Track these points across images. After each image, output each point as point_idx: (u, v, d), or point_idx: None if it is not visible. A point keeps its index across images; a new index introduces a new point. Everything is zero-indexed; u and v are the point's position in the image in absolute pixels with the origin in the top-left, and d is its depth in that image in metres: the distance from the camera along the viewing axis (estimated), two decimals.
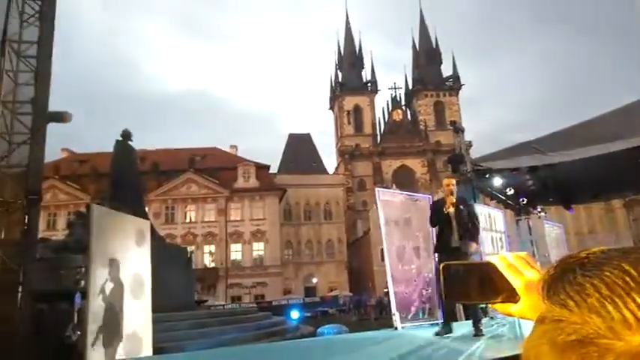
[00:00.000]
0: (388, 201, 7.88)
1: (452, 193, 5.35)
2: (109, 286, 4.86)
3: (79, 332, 5.25)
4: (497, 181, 8.65)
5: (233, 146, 45.93)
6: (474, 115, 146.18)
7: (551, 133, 7.80)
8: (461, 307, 6.49)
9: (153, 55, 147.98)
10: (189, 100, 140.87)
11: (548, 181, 8.53)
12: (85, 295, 5.06)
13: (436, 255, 5.81)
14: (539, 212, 10.86)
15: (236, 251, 39.93)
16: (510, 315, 0.57)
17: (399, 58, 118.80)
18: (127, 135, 13.02)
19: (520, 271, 0.57)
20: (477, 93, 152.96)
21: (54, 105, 6.35)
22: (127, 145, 13.14)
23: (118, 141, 13.03)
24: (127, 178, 12.76)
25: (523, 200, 9.97)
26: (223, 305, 28.36)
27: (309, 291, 40.27)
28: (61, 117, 6.27)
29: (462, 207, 5.32)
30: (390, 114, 63.70)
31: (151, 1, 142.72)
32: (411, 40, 69.14)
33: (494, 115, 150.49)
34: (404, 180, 53.12)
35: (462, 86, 65.07)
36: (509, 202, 10.01)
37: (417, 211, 8.37)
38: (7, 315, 5.63)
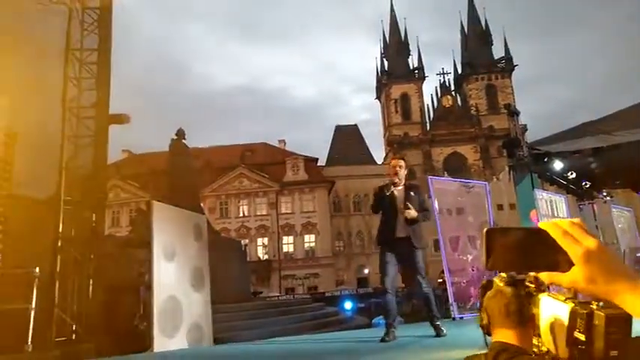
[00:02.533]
0: (441, 189, 7.71)
1: (397, 175, 4.61)
2: (171, 278, 5.08)
3: (145, 323, 5.54)
4: (558, 165, 8.21)
5: (281, 140, 46.53)
6: (529, 96, 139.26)
7: (617, 112, 7.30)
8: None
9: (203, 55, 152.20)
10: (238, 97, 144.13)
11: (614, 163, 8.00)
12: (149, 287, 5.33)
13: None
14: (605, 196, 10.22)
15: (288, 243, 40.57)
16: (559, 285, 0.54)
17: (446, 43, 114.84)
18: (181, 134, 13.50)
19: (576, 239, 0.53)
20: (532, 73, 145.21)
21: (114, 108, 6.70)
22: (181, 144, 13.63)
23: (172, 140, 13.54)
24: (183, 176, 13.26)
25: (586, 184, 9.43)
26: (278, 296, 28.97)
27: (362, 282, 40.25)
28: (120, 119, 6.60)
29: (412, 193, 4.59)
30: (439, 100, 62.00)
31: (200, 3, 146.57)
32: (458, 23, 66.80)
33: (552, 96, 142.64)
34: (455, 167, 51.70)
35: (515, 67, 62.10)
36: (571, 186, 9.49)
37: (472, 199, 8.13)
38: (81, 307, 6.02)
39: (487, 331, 1.47)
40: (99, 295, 6.22)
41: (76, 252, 6.02)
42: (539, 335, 1.19)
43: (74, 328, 5.72)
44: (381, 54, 65.67)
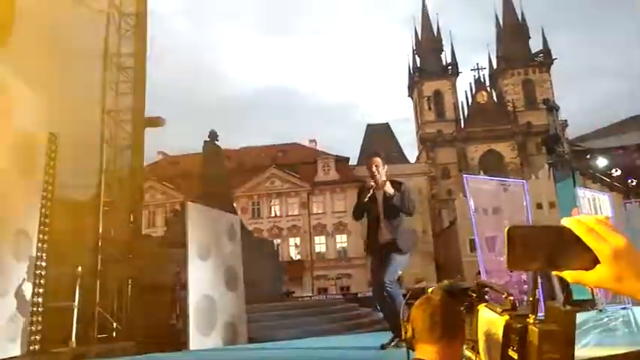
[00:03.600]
0: (477, 188, 7.50)
1: (374, 176, 4.16)
2: (206, 278, 5.16)
3: (181, 321, 5.65)
4: (601, 162, 7.86)
5: (312, 140, 46.64)
6: (569, 91, 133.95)
7: None
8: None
9: (235, 57, 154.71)
10: (269, 98, 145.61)
11: None
12: (184, 286, 5.43)
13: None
14: None
15: (320, 243, 40.64)
16: (584, 284, 0.53)
17: (480, 37, 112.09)
18: (213, 136, 13.73)
19: (603, 237, 0.51)
20: (572, 66, 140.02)
21: (149, 111, 6.88)
22: (214, 146, 13.86)
23: (205, 142, 13.79)
24: (216, 177, 13.48)
25: (632, 181, 8.98)
26: (310, 296, 29.06)
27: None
28: (156, 122, 6.77)
29: (390, 193, 4.15)
30: (473, 96, 60.55)
31: (231, 6, 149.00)
32: (493, 16, 65.11)
33: (594, 89, 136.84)
34: (492, 165, 50.38)
35: (554, 61, 59.93)
36: (616, 184, 9.06)
37: (509, 198, 7.88)
38: (121, 305, 6.20)
39: (410, 346, 1.30)
40: (137, 294, 6.39)
41: (115, 251, 6.20)
42: (477, 352, 1.05)
43: (114, 325, 5.89)
44: (413, 50, 64.79)
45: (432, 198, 50.25)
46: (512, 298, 0.94)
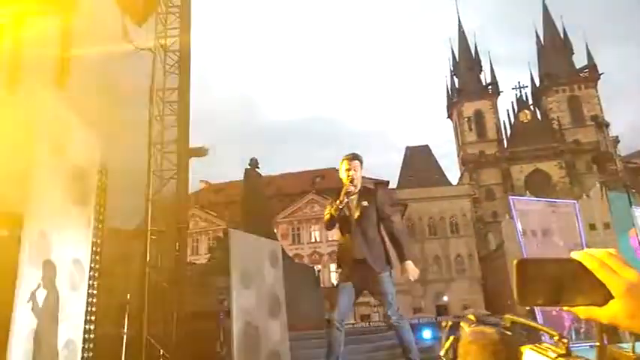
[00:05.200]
0: (524, 210, 7.22)
1: (352, 180, 3.68)
2: (249, 305, 5.17)
3: (226, 349, 5.66)
4: None
5: None
6: (620, 106, 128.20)
7: None
8: None
9: (275, 85, 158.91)
10: (308, 124, 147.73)
11: None
12: (228, 314, 5.46)
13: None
14: None
15: None
16: (596, 320, 0.51)
17: (521, 55, 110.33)
18: (254, 163, 14.01)
19: (616, 271, 0.49)
20: (622, 80, 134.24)
21: (193, 141, 7.14)
22: (254, 173, 14.12)
23: (246, 169, 14.07)
24: (257, 203, 13.66)
25: None
26: (353, 324, 28.45)
27: (441, 309, 38.53)
28: (200, 152, 7.01)
29: (365, 203, 3.65)
30: (516, 115, 59.10)
31: (269, 35, 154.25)
32: (533, 33, 63.89)
33: None
34: (539, 185, 48.53)
35: (601, 75, 57.76)
36: None
37: (559, 219, 7.52)
38: (167, 332, 6.30)
39: None
40: (183, 322, 6.48)
41: (162, 279, 6.35)
42: None
43: (161, 352, 5.98)
44: (451, 72, 64.36)
45: (477, 221, 48.75)
46: (565, 340, 0.86)
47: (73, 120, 4.32)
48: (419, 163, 51.04)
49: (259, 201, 14.05)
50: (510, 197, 7.62)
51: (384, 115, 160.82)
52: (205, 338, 6.84)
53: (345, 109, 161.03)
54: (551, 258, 0.53)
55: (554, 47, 60.02)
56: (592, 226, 30.72)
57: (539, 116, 58.70)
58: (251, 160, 14.04)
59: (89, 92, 5.26)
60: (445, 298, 40.29)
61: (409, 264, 3.69)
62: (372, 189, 3.83)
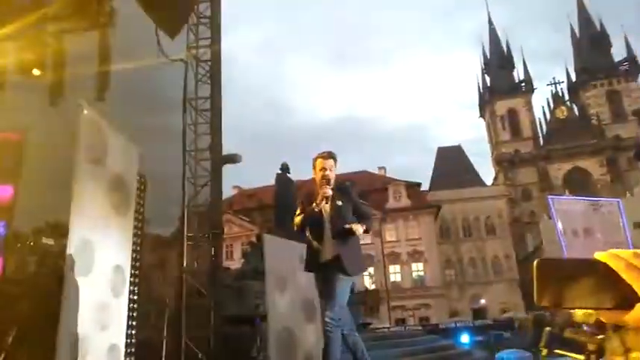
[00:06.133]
0: (564, 209, 6.98)
1: (328, 181, 3.44)
2: (284, 309, 5.20)
3: (263, 353, 5.70)
4: None
5: (381, 167, 46.36)
6: None
7: None
8: None
9: (305, 88, 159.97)
10: (338, 127, 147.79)
11: None
12: (264, 318, 5.51)
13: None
14: None
15: (395, 272, 39.66)
16: (623, 324, 0.48)
17: (555, 50, 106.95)
18: (285, 168, 14.10)
19: None
20: None
21: (226, 148, 7.28)
22: (285, 177, 14.22)
23: (277, 174, 14.19)
24: (289, 208, 13.72)
25: None
26: (388, 328, 28.18)
27: (478, 313, 37.63)
28: (233, 159, 7.13)
29: (339, 202, 3.40)
30: (552, 112, 57.21)
31: (299, 38, 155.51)
32: (568, 27, 61.83)
33: None
34: (578, 184, 46.83)
35: None
36: None
37: (601, 218, 7.22)
38: (205, 336, 6.41)
39: None
40: (219, 326, 6.59)
41: (198, 284, 6.48)
42: None
43: (200, 356, 6.09)
44: (482, 70, 63.04)
45: (513, 221, 47.42)
46: None
47: (112, 131, 4.48)
48: (451, 163, 50.13)
49: (291, 205, 14.12)
50: (549, 197, 7.38)
51: (415, 116, 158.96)
52: (242, 342, 6.93)
53: (375, 111, 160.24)
54: (574, 258, 0.52)
55: (590, 40, 57.86)
56: (636, 225, 29.30)
57: (576, 112, 56.63)
58: (282, 164, 14.14)
59: (126, 104, 5.44)
60: (482, 301, 39.32)
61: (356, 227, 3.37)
62: (346, 186, 3.57)
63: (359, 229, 3.38)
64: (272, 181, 14.69)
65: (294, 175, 14.80)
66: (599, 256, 0.50)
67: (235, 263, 32.68)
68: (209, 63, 6.96)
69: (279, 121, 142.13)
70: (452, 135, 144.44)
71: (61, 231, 4.35)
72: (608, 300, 0.48)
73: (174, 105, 6.66)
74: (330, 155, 3.53)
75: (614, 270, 0.48)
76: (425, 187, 44.63)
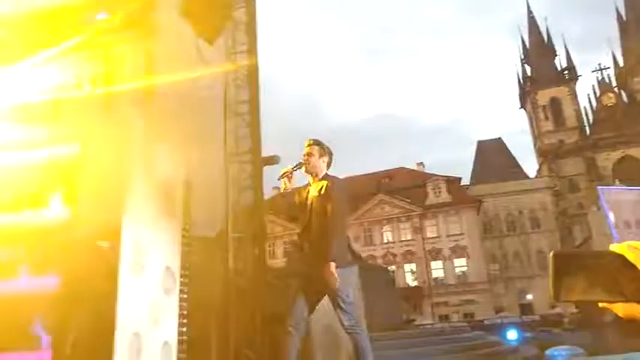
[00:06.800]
0: (615, 200, 6.70)
1: (312, 172, 3.28)
2: (328, 308, 5.26)
3: (307, 353, 5.79)
4: None
5: (419, 163, 45.77)
6: None
7: None
8: None
9: (339, 87, 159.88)
10: (375, 124, 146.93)
11: None
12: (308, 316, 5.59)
13: None
14: None
15: (437, 268, 39.12)
16: (637, 318, 0.47)
17: (599, 35, 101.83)
18: None
19: None
20: None
21: (265, 149, 7.43)
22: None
23: None
24: None
25: None
26: (432, 324, 27.82)
27: (525, 308, 36.53)
28: (272, 160, 7.28)
29: (315, 193, 3.20)
30: (598, 100, 54.57)
31: (332, 38, 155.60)
32: (613, 10, 58.78)
33: None
34: (629, 173, 44.41)
35: None
36: None
37: None
38: (252, 334, 6.58)
39: None
40: (265, 325, 6.74)
41: (244, 283, 6.66)
42: None
43: (247, 353, 6.26)
44: (522, 60, 60.92)
45: (560, 214, 45.58)
46: None
47: (159, 138, 4.69)
48: (492, 157, 48.79)
49: None
50: (599, 188, 7.12)
51: (453, 110, 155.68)
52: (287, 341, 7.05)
53: (412, 106, 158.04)
54: (591, 251, 0.52)
55: (638, 22, 54.73)
56: None
57: (625, 98, 53.75)
58: None
59: (170, 111, 5.66)
60: (529, 297, 38.11)
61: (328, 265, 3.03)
62: (329, 179, 3.28)
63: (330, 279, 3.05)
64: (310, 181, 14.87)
65: (331, 174, 14.94)
66: (616, 247, 0.49)
67: (278, 262, 33.19)
68: (247, 67, 7.13)
69: (315, 120, 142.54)
70: (491, 128, 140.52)
71: (114, 234, 4.60)
72: (624, 293, 0.47)
73: (214, 110, 6.87)
74: (316, 142, 3.41)
75: (631, 262, 0.47)
76: (465, 181, 43.67)
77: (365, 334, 3.35)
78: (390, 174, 43.54)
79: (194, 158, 5.34)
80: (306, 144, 3.34)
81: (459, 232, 38.41)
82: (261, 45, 7.54)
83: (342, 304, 3.24)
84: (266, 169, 7.74)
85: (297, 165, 3.33)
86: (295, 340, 3.37)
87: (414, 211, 39.62)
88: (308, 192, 3.29)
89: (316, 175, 3.31)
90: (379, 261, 36.83)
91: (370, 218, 40.72)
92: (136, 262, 4.38)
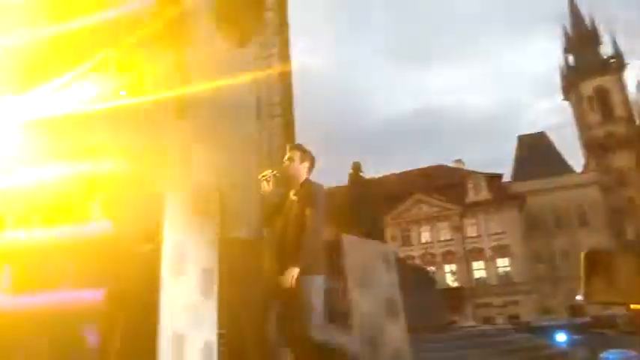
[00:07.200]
0: None
1: (292, 177, 3.26)
2: (368, 310, 5.20)
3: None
4: None
5: (458, 160, 44.74)
6: None
7: None
8: None
9: (375, 85, 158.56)
10: (411, 122, 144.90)
11: None
12: (347, 316, 5.53)
13: None
14: None
15: (479, 269, 38.08)
16: None
17: None
18: (357, 167, 14.12)
19: None
20: None
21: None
22: (358, 177, 14.22)
23: (350, 174, 14.23)
24: (362, 207, 13.73)
25: None
26: (474, 326, 27.11)
27: (575, 310, 34.92)
28: None
29: (294, 197, 3.16)
30: None
31: (367, 35, 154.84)
32: None
33: None
34: None
35: None
36: None
37: None
38: (290, 335, 6.58)
39: None
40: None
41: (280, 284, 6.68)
42: None
43: (287, 353, 6.26)
44: (564, 49, 58.50)
45: (609, 210, 43.35)
46: None
47: (194, 143, 4.78)
48: (535, 151, 46.99)
49: (366, 205, 14.11)
50: None
51: (492, 105, 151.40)
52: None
53: (449, 102, 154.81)
54: (628, 252, 0.44)
55: None
56: None
57: None
58: (354, 164, 14.18)
59: (204, 116, 5.77)
60: (579, 297, 36.39)
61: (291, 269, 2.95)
62: (307, 183, 3.23)
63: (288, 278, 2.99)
64: (344, 181, 14.80)
65: (366, 173, 14.79)
66: None
67: None
68: (280, 69, 7.17)
69: (350, 119, 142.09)
70: (533, 122, 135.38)
71: (154, 237, 4.72)
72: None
73: (248, 113, 6.94)
74: (297, 147, 3.40)
75: None
76: (507, 178, 42.34)
77: (345, 346, 3.11)
78: (427, 172, 42.77)
79: (228, 162, 5.41)
80: (288, 154, 3.30)
81: (500, 231, 37.21)
82: (293, 45, 7.58)
83: (309, 313, 3.09)
84: None
85: (275, 171, 3.31)
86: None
87: (453, 210, 38.72)
88: (287, 197, 3.24)
89: (296, 180, 3.28)
90: (417, 262, 36.22)
91: (407, 218, 40.13)
92: (175, 265, 4.48)
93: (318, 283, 3.08)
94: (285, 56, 7.29)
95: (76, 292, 5.19)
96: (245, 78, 7.04)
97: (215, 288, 5.03)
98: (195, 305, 4.49)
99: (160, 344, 4.02)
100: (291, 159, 3.30)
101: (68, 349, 4.66)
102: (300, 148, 3.41)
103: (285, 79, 7.27)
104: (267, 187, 3.33)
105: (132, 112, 4.91)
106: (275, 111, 7.29)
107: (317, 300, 3.08)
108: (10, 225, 5.17)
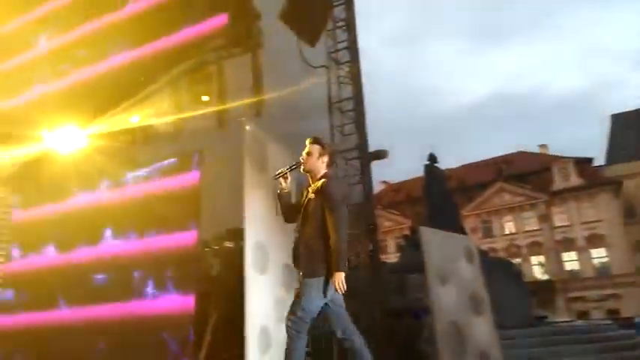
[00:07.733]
0: None
1: (310, 172, 3.04)
2: (450, 303, 5.05)
3: (431, 347, 5.62)
4: None
5: (542, 145, 41.81)
6: None
7: None
8: None
9: (447, 71, 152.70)
10: (487, 108, 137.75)
11: None
12: (428, 311, 5.42)
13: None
14: None
15: (570, 260, 35.37)
16: None
17: None
18: (432, 158, 13.74)
19: None
20: None
21: (371, 144, 7.38)
22: (434, 168, 13.84)
23: (425, 165, 13.88)
24: (440, 199, 13.35)
25: None
26: (567, 321, 25.29)
27: None
28: (380, 155, 7.22)
29: (312, 195, 2.95)
30: None
31: (436, 22, 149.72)
32: None
33: None
34: None
35: None
36: None
37: None
38: (368, 328, 6.60)
39: None
40: (382, 319, 6.70)
41: (359, 278, 6.70)
42: None
43: (367, 347, 6.29)
44: None
45: None
46: None
47: (270, 141, 4.92)
48: (631, 131, 42.58)
49: (443, 196, 13.71)
50: None
51: (578, 84, 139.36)
52: (407, 335, 6.94)
53: (530, 84, 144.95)
54: None
55: None
56: None
57: None
58: (429, 155, 13.80)
59: (279, 114, 5.92)
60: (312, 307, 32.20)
61: (338, 275, 2.75)
62: (325, 179, 3.04)
63: (340, 286, 2.78)
64: (417, 173, 14.47)
65: (442, 163, 14.32)
66: None
67: (390, 257, 32.97)
68: (349, 64, 7.16)
69: (423, 108, 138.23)
70: (628, 99, 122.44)
71: (238, 235, 4.93)
72: None
73: (321, 109, 7.02)
74: (316, 141, 3.17)
75: None
76: (599, 162, 38.86)
77: (302, 339, 2.95)
78: (508, 159, 40.38)
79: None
80: (307, 147, 3.16)
81: (594, 219, 34.21)
82: (361, 40, 7.52)
83: (298, 311, 2.93)
84: (373, 163, 7.69)
85: (293, 165, 3.20)
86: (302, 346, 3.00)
87: (539, 199, 36.22)
88: (307, 192, 3.10)
89: (315, 175, 3.12)
90: (501, 254, 34.36)
91: (488, 208, 38.22)
92: (259, 261, 4.65)
93: (320, 285, 2.89)
94: (354, 50, 7.26)
95: (167, 294, 5.59)
96: (316, 74, 7.12)
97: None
98: (279, 300, 4.63)
99: (248, 335, 4.21)
100: (309, 153, 3.13)
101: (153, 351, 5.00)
102: (319, 141, 3.22)
103: (355, 74, 7.24)
104: (283, 184, 3.22)
105: (212, 113, 5.17)
106: (346, 106, 7.30)
107: (317, 303, 2.94)
108: (108, 236, 5.68)
